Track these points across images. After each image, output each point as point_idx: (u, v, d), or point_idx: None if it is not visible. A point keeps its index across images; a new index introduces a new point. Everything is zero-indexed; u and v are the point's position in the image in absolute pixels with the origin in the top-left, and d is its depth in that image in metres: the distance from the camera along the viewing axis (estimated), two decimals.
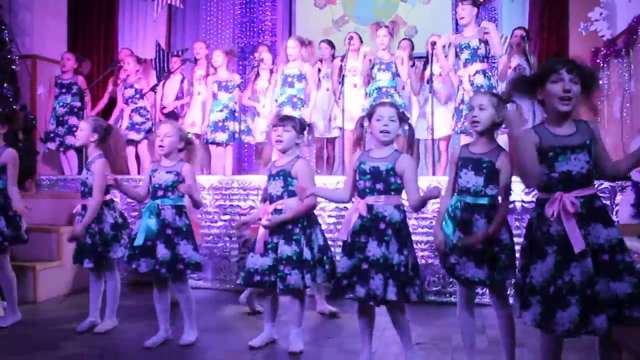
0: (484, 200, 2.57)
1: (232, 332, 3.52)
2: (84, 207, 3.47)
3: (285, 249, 2.97)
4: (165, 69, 7.24)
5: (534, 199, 3.24)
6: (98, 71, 7.16)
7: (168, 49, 8.33)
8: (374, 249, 2.58)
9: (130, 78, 6.13)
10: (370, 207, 2.64)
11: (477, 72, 4.66)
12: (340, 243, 2.86)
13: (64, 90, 6.03)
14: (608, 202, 3.92)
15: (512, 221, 4.01)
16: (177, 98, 6.42)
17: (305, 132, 3.16)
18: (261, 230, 3.05)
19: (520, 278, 2.28)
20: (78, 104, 6.03)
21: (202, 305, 3.99)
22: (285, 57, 5.57)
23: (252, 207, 4.65)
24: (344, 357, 3.01)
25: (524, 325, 2.23)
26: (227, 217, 4.75)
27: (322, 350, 3.14)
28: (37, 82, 6.36)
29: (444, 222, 2.61)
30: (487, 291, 2.86)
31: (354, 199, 2.81)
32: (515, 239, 2.60)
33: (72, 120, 5.92)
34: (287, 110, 5.19)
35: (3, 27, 5.82)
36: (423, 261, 4.14)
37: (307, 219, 3.07)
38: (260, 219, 3.16)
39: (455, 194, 2.67)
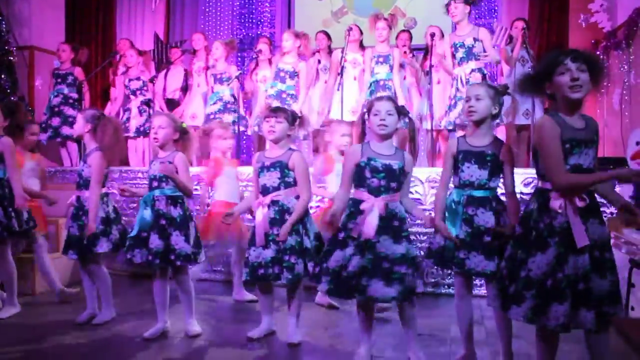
0: (488, 193, 2.59)
1: (230, 323, 3.53)
2: (78, 199, 3.46)
3: (288, 239, 2.97)
4: (164, 60, 7.21)
5: (531, 190, 3.23)
6: (96, 62, 7.13)
7: (166, 41, 8.27)
8: (392, 247, 2.58)
9: (132, 71, 6.09)
10: (385, 206, 2.63)
11: (472, 70, 4.66)
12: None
13: (59, 81, 5.98)
14: None
15: None
16: (181, 89, 6.38)
17: (296, 124, 3.14)
18: (259, 218, 3.04)
19: (505, 267, 2.25)
20: (74, 95, 5.96)
21: (199, 297, 3.99)
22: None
23: None
24: (343, 348, 3.02)
25: None
26: None
27: (321, 341, 3.15)
28: (35, 74, 6.32)
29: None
30: (484, 282, 2.86)
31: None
32: None
33: (68, 110, 5.87)
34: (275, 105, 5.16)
35: (0, 18, 5.79)
36: (422, 252, 4.13)
37: None
38: (251, 211, 3.16)
39: (455, 187, 2.67)
